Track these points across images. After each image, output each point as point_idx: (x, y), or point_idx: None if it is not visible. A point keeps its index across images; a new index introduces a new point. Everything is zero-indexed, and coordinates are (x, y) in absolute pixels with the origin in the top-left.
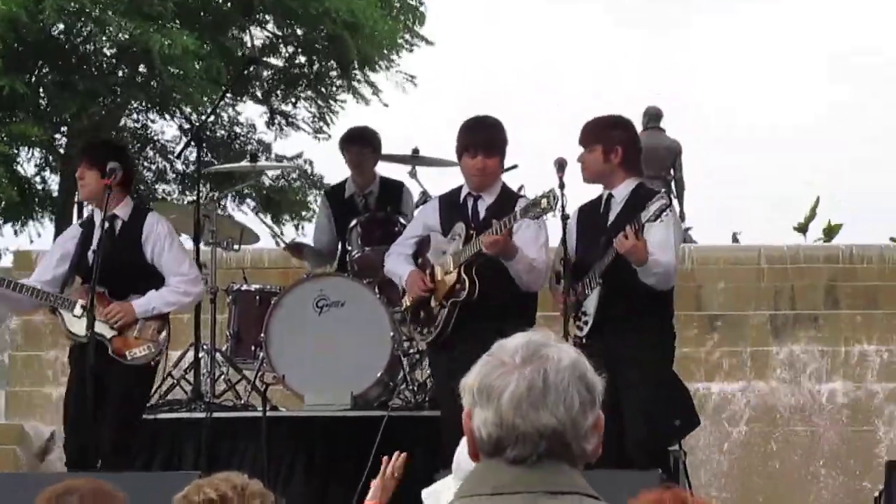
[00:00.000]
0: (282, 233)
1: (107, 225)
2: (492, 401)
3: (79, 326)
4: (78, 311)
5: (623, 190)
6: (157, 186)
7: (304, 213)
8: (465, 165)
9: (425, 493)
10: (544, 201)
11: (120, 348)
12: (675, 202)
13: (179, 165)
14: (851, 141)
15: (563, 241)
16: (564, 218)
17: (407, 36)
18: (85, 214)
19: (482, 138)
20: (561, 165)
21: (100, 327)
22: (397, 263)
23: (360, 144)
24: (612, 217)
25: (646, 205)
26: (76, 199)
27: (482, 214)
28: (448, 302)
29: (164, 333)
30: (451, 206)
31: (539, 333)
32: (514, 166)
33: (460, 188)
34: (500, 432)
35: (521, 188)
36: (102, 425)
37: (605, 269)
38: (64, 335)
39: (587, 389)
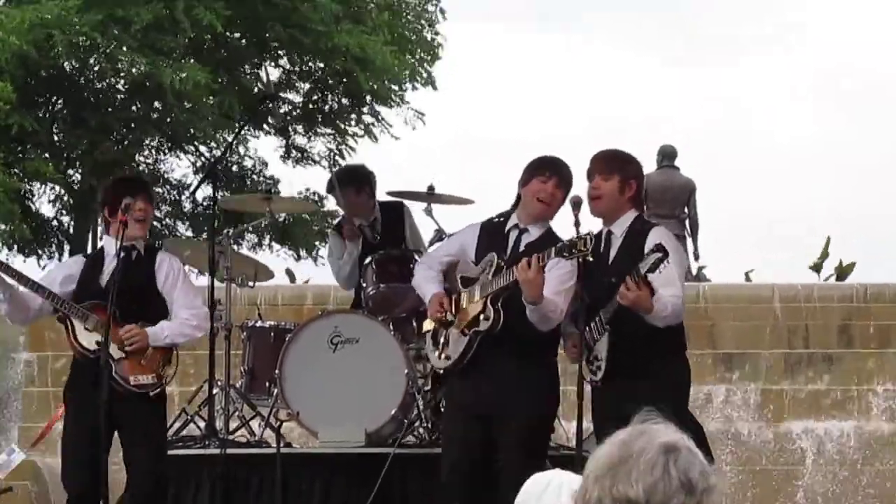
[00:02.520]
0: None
1: (122, 254)
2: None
3: (88, 340)
4: (91, 323)
5: (622, 224)
6: (170, 223)
7: (318, 245)
8: (531, 189)
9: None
10: (581, 243)
11: (125, 372)
12: (689, 240)
13: (189, 204)
14: (862, 178)
15: (580, 282)
16: (588, 261)
17: (420, 70)
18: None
19: (561, 166)
20: (576, 204)
21: (108, 347)
22: (425, 281)
23: (357, 185)
24: (612, 253)
25: (643, 246)
26: (116, 233)
27: (522, 249)
28: (470, 331)
29: (168, 368)
30: (493, 234)
31: (665, 425)
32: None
33: (506, 218)
34: (592, 494)
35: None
36: (107, 457)
37: (611, 316)
38: (70, 346)
39: (684, 479)
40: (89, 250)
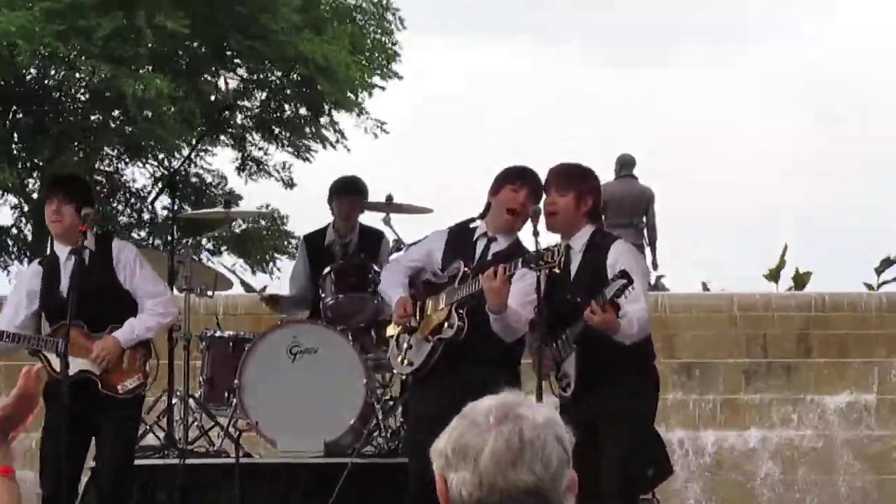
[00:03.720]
0: (248, 282)
1: (75, 258)
2: (468, 461)
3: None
4: (61, 349)
5: (581, 238)
6: (130, 233)
7: (277, 258)
8: (501, 198)
9: None
10: (549, 255)
11: (111, 383)
12: (647, 249)
13: (148, 213)
14: (820, 187)
15: (540, 294)
16: (553, 273)
17: (377, 77)
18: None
19: (532, 177)
20: (535, 214)
21: (87, 365)
22: (390, 286)
23: (353, 194)
24: (573, 268)
25: (604, 261)
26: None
27: (489, 258)
28: (434, 338)
29: (150, 362)
30: (460, 242)
31: (511, 394)
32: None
33: (473, 226)
34: (481, 493)
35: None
36: (82, 462)
37: (577, 335)
38: (49, 377)
39: (562, 447)
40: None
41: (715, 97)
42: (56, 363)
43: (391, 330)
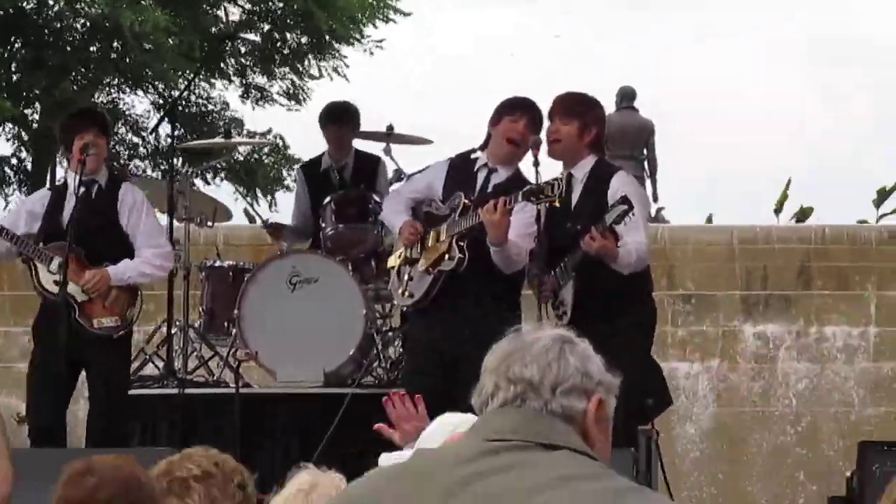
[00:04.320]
0: (256, 211)
1: (83, 189)
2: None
3: (51, 282)
4: (54, 266)
5: (583, 168)
6: (129, 162)
7: (277, 189)
8: (501, 129)
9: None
10: (549, 189)
11: (88, 314)
12: (647, 181)
13: (152, 141)
14: (823, 124)
15: (539, 226)
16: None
17: (385, 10)
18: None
19: (531, 107)
20: (536, 144)
21: (72, 289)
22: (393, 213)
23: (341, 122)
24: (574, 198)
25: (606, 191)
26: (75, 169)
27: (489, 189)
28: (435, 270)
29: (133, 309)
30: (461, 173)
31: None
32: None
33: (474, 157)
34: (485, 395)
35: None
36: (68, 400)
37: (576, 263)
38: (34, 288)
39: (578, 360)
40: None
41: (722, 58)
42: (43, 275)
43: (392, 261)
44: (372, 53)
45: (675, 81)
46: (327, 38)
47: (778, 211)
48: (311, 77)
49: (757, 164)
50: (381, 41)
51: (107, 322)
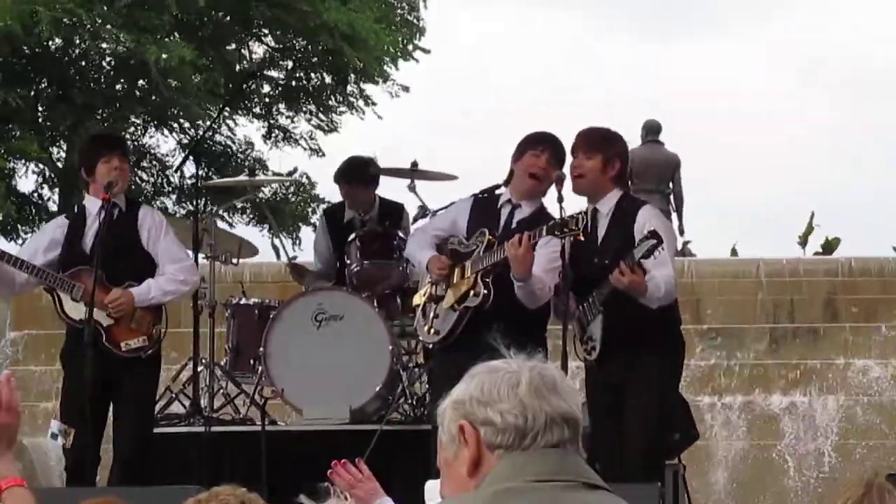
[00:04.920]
0: (283, 244)
1: (103, 213)
2: (503, 397)
3: (77, 311)
4: (77, 294)
5: (608, 202)
6: (154, 200)
7: (301, 227)
8: (524, 164)
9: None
10: (573, 223)
11: (115, 337)
12: (673, 215)
13: (176, 179)
14: (848, 154)
15: (564, 260)
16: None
17: (408, 47)
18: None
19: (553, 142)
20: (560, 179)
21: (96, 314)
22: (418, 249)
23: (352, 182)
24: (600, 232)
25: (632, 225)
26: (106, 194)
27: (514, 225)
28: (460, 306)
29: (158, 327)
30: (485, 209)
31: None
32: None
33: (498, 193)
34: (524, 421)
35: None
36: (103, 424)
37: (604, 298)
38: (60, 318)
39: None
40: None
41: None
42: (67, 304)
43: (417, 299)
44: (397, 96)
45: (699, 113)
46: (353, 76)
47: (803, 244)
48: (336, 114)
49: (781, 194)
50: (406, 87)
51: (134, 343)
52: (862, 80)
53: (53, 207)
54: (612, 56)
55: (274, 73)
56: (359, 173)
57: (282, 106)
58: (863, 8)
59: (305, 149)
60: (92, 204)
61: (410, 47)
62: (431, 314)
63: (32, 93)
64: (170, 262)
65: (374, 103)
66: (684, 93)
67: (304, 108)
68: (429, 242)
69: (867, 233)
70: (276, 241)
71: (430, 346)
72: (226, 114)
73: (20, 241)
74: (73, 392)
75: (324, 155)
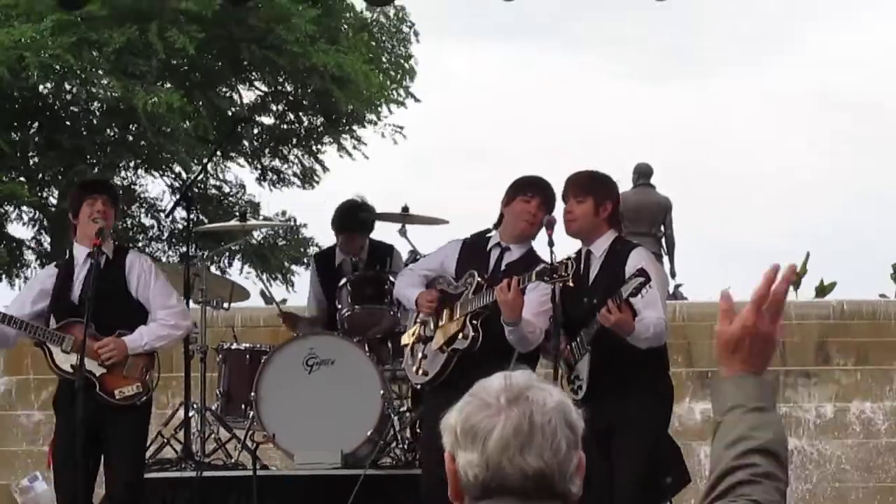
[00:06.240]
0: (271, 294)
1: (91, 262)
2: (476, 443)
3: (67, 362)
4: (67, 345)
5: (602, 244)
6: (144, 245)
7: (293, 268)
8: (514, 209)
9: None
10: (562, 269)
11: (108, 386)
12: (665, 258)
13: (168, 224)
14: (841, 197)
15: (555, 303)
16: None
17: (399, 90)
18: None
19: (544, 186)
20: (550, 224)
21: (88, 364)
22: (407, 287)
23: (350, 230)
24: (592, 274)
25: (623, 267)
26: (97, 239)
27: (503, 268)
28: (448, 348)
29: (151, 373)
30: (474, 251)
31: (522, 374)
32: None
33: (487, 236)
34: (487, 475)
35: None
36: (95, 471)
37: (592, 338)
38: (51, 370)
39: (571, 430)
40: None
41: (728, 110)
42: (58, 356)
43: (406, 339)
44: (394, 142)
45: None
46: (345, 119)
47: (796, 286)
48: (323, 162)
49: (774, 235)
50: (401, 128)
51: (128, 391)
52: (862, 119)
53: (48, 250)
54: (607, 95)
55: (264, 119)
56: (356, 221)
57: (270, 151)
58: (863, 48)
59: (299, 186)
60: (79, 252)
61: (402, 92)
62: (420, 354)
63: (22, 137)
64: (161, 308)
65: (364, 143)
66: (678, 132)
67: (292, 154)
68: (417, 281)
69: (860, 276)
70: (267, 292)
71: (419, 386)
72: (216, 158)
73: (14, 285)
74: (64, 438)
75: (314, 186)
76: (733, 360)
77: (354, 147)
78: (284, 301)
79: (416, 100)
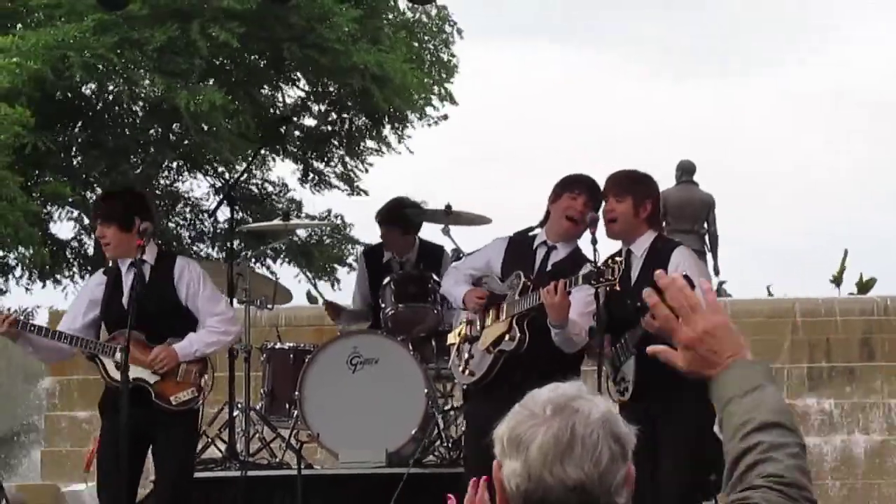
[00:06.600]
0: (318, 291)
1: (135, 271)
2: (520, 452)
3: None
4: (119, 357)
5: (642, 244)
6: (190, 246)
7: (338, 268)
8: (561, 206)
9: None
10: (609, 272)
11: (164, 393)
12: (708, 255)
13: (211, 224)
14: (858, 196)
15: (599, 304)
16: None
17: (435, 90)
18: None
19: (590, 184)
20: (593, 221)
21: (142, 373)
22: (454, 285)
23: (389, 225)
24: (634, 274)
25: (666, 267)
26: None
27: (549, 267)
28: (495, 349)
29: (205, 377)
30: (519, 250)
31: (572, 385)
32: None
33: (532, 234)
34: (529, 485)
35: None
36: (139, 475)
37: (638, 340)
38: (105, 382)
39: (617, 443)
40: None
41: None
42: (111, 369)
43: (452, 338)
44: (436, 123)
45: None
46: (386, 118)
47: (837, 283)
48: (366, 161)
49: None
50: (445, 117)
51: (183, 396)
52: (879, 118)
53: (90, 252)
54: (646, 96)
55: (307, 121)
56: (395, 217)
57: (314, 151)
58: (894, 43)
59: (342, 190)
60: (121, 262)
61: (437, 90)
62: (466, 355)
63: (65, 138)
64: (210, 315)
65: (408, 136)
66: (695, 132)
67: (336, 154)
68: (464, 279)
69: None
70: (313, 291)
71: (465, 386)
72: (261, 156)
73: (59, 287)
74: (110, 441)
75: (360, 193)
76: (705, 362)
77: (399, 140)
78: (332, 301)
79: (454, 102)
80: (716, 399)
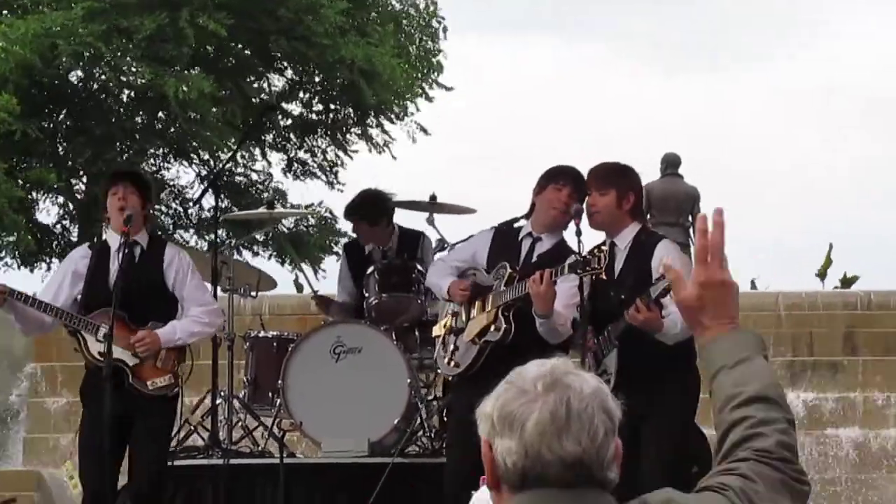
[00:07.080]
0: (306, 277)
1: (125, 252)
2: (514, 430)
3: (101, 350)
4: (101, 334)
5: (626, 237)
6: (175, 233)
7: (323, 258)
8: (546, 198)
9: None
10: (595, 261)
11: (141, 376)
12: (692, 248)
13: (196, 212)
14: (855, 193)
15: (583, 295)
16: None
17: (424, 85)
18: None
19: (575, 176)
20: (577, 213)
21: (121, 353)
22: (440, 277)
23: (358, 221)
24: (617, 267)
25: (649, 260)
26: (126, 226)
27: (534, 258)
28: (480, 340)
29: (184, 365)
30: (505, 241)
31: (557, 360)
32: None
33: (518, 226)
34: (526, 462)
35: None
36: (120, 460)
37: (620, 333)
38: (83, 358)
39: (608, 417)
40: None
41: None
42: (92, 345)
43: (437, 330)
44: (415, 140)
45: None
46: (372, 112)
47: (822, 277)
48: (349, 153)
49: (797, 228)
50: (425, 129)
51: (160, 382)
52: (871, 113)
53: (75, 240)
54: (637, 91)
55: (292, 107)
56: (359, 211)
57: (297, 139)
58: (885, 38)
59: (326, 182)
60: (113, 240)
61: (425, 85)
62: (451, 346)
63: (51, 125)
64: (196, 304)
65: (392, 139)
66: (687, 128)
67: (319, 145)
68: (449, 271)
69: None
70: (300, 276)
71: (450, 378)
72: (245, 145)
73: (41, 272)
74: (91, 427)
75: (342, 190)
76: (703, 322)
77: (385, 144)
78: (317, 292)
79: (448, 88)
80: (706, 365)
